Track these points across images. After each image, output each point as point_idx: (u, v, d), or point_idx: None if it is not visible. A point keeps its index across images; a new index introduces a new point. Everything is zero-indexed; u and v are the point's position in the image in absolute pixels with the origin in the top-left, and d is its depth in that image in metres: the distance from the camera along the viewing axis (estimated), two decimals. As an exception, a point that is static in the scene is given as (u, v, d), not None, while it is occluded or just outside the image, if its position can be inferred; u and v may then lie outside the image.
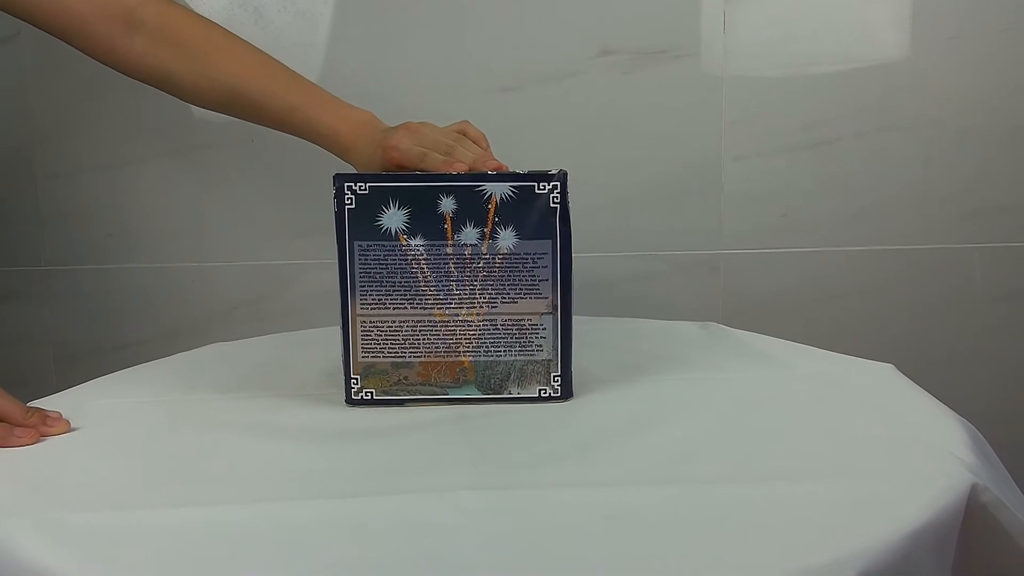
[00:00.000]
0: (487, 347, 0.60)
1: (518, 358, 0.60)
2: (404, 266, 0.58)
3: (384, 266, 0.58)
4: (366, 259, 0.58)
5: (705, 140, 1.02)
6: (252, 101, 0.76)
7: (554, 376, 0.61)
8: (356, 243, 0.58)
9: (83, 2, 0.73)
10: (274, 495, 0.44)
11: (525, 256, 0.59)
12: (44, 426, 0.54)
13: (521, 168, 0.61)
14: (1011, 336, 1.04)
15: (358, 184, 0.58)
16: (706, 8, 0.99)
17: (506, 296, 0.59)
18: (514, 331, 0.60)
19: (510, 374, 0.60)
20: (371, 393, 0.60)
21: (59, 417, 0.55)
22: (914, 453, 0.47)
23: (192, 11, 0.79)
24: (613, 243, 1.04)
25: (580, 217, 1.04)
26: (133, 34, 0.74)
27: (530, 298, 0.60)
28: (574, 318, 0.62)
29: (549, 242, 0.60)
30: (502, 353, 0.60)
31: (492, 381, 0.60)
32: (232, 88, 0.76)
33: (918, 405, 0.57)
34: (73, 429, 0.55)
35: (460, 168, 0.61)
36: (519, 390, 0.60)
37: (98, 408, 0.60)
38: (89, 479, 0.47)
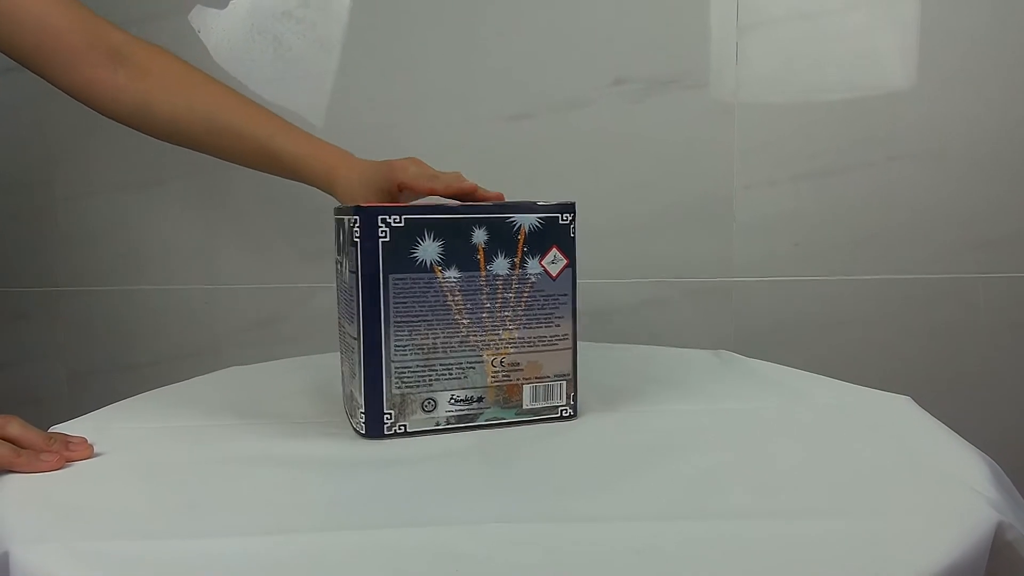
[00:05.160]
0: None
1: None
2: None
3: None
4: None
5: (717, 168, 1.03)
6: (231, 129, 0.77)
7: (570, 394, 0.63)
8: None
9: (76, 34, 0.74)
10: (303, 526, 0.45)
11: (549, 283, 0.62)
12: (67, 451, 0.54)
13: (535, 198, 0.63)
14: (1020, 366, 1.04)
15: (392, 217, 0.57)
16: (718, 38, 1.01)
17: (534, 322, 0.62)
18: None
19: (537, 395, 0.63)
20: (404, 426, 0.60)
21: (82, 442, 0.56)
22: (937, 490, 0.47)
23: (175, 55, 0.80)
24: (625, 270, 1.05)
25: (593, 244, 1.06)
26: (117, 67, 0.76)
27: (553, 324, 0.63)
28: (587, 344, 0.65)
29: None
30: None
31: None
32: (211, 117, 0.77)
33: (938, 439, 0.57)
34: (97, 454, 0.55)
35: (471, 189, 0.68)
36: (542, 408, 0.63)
37: (121, 433, 0.60)
38: (117, 506, 0.47)
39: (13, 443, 0.53)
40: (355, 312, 0.58)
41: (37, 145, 1.07)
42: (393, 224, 0.57)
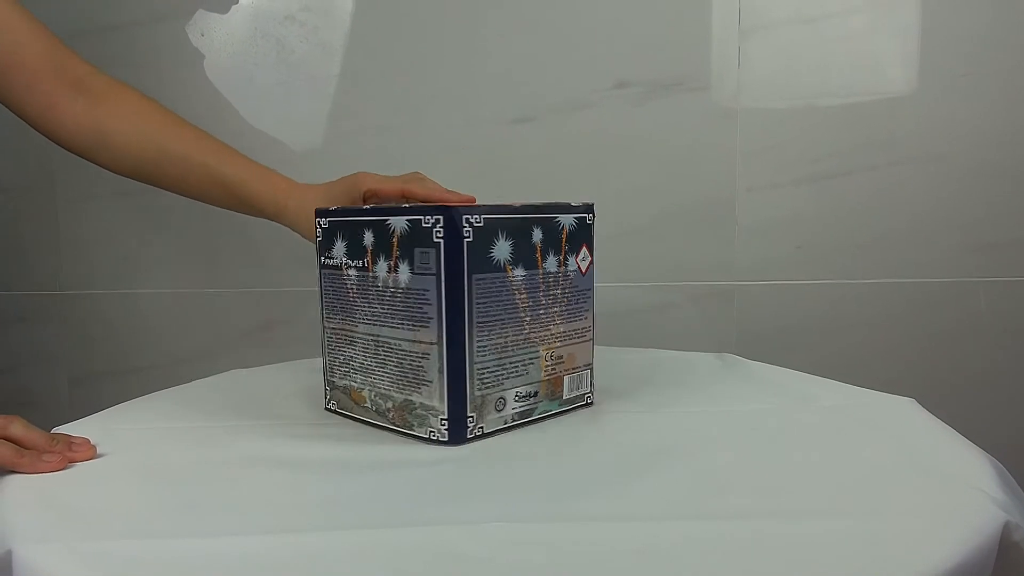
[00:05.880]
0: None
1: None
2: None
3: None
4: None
5: (719, 171, 1.03)
6: (180, 156, 0.77)
7: (591, 381, 0.67)
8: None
9: (40, 60, 0.75)
10: (303, 526, 0.44)
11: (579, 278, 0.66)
12: (69, 452, 0.54)
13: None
14: (1022, 369, 1.04)
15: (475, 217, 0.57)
16: (720, 42, 1.01)
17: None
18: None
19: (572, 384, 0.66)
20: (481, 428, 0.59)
21: (85, 443, 0.56)
22: (943, 490, 0.47)
23: (136, 88, 0.80)
24: (627, 273, 1.05)
25: (595, 247, 1.06)
26: (78, 96, 0.76)
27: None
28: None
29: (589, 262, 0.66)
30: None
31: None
32: (161, 145, 0.77)
33: (943, 440, 0.57)
34: (99, 455, 0.55)
35: (458, 197, 0.70)
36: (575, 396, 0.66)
37: (123, 434, 0.60)
38: (119, 506, 0.47)
39: (16, 444, 0.53)
40: (431, 316, 0.56)
41: (38, 149, 1.07)
42: (475, 224, 0.57)
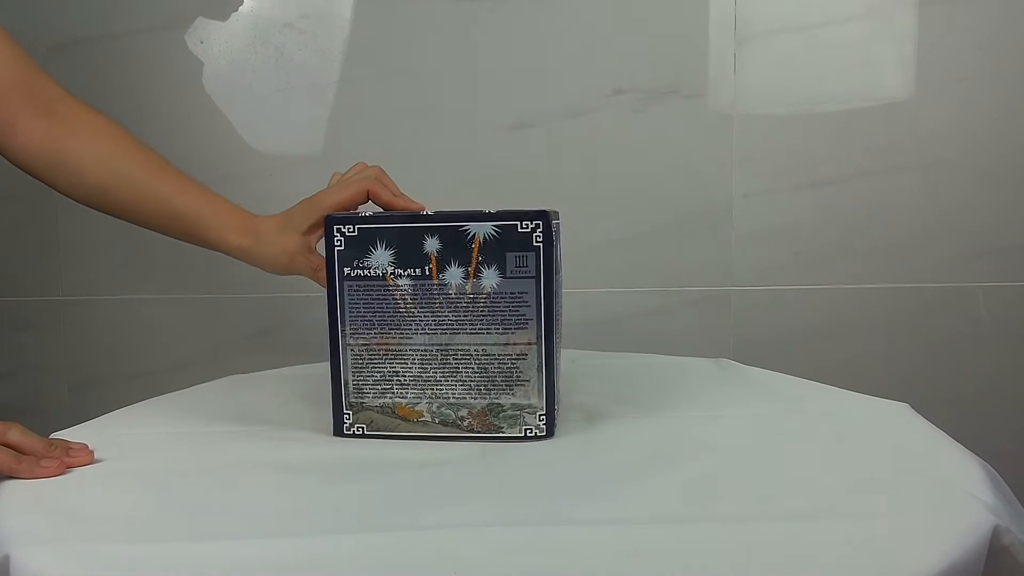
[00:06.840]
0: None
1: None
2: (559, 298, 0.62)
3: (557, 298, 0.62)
4: (557, 293, 0.60)
5: (716, 177, 1.03)
6: (134, 184, 0.75)
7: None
8: (556, 277, 0.60)
9: (8, 79, 0.73)
10: (303, 530, 0.45)
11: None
12: (68, 457, 0.54)
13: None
14: (1020, 375, 1.04)
15: (555, 222, 0.59)
16: (716, 49, 1.01)
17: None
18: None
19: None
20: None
21: (83, 448, 0.56)
22: (934, 494, 0.47)
23: (102, 112, 0.77)
24: (624, 278, 1.05)
25: (592, 252, 1.06)
26: (40, 117, 0.74)
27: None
28: (588, 352, 0.70)
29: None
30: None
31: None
32: (117, 171, 0.74)
33: (935, 444, 0.57)
34: (97, 460, 0.56)
35: (417, 205, 0.69)
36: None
37: (121, 439, 0.60)
38: (118, 511, 0.48)
39: (14, 449, 0.53)
40: (530, 317, 0.58)
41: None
42: (553, 228, 0.59)
